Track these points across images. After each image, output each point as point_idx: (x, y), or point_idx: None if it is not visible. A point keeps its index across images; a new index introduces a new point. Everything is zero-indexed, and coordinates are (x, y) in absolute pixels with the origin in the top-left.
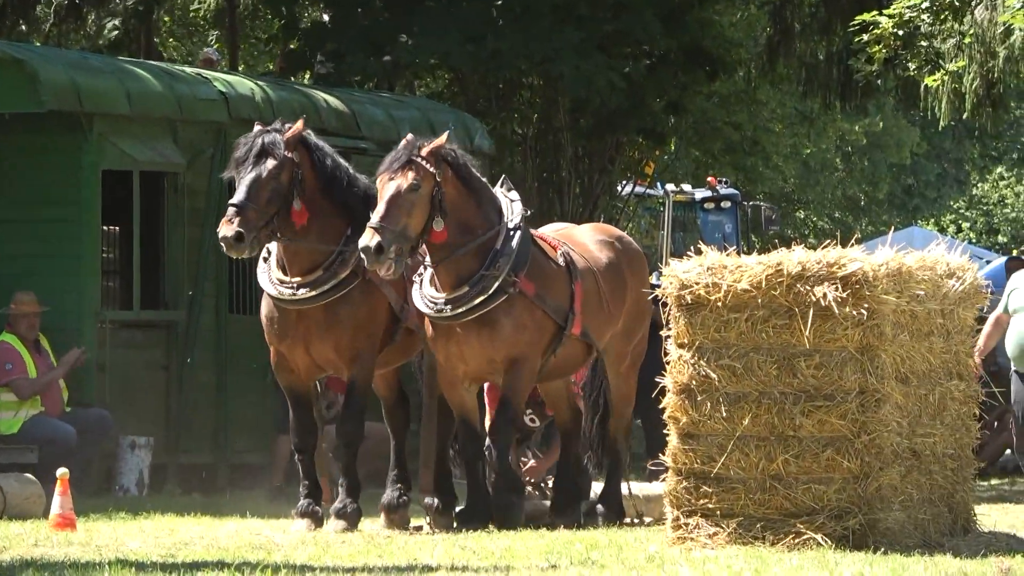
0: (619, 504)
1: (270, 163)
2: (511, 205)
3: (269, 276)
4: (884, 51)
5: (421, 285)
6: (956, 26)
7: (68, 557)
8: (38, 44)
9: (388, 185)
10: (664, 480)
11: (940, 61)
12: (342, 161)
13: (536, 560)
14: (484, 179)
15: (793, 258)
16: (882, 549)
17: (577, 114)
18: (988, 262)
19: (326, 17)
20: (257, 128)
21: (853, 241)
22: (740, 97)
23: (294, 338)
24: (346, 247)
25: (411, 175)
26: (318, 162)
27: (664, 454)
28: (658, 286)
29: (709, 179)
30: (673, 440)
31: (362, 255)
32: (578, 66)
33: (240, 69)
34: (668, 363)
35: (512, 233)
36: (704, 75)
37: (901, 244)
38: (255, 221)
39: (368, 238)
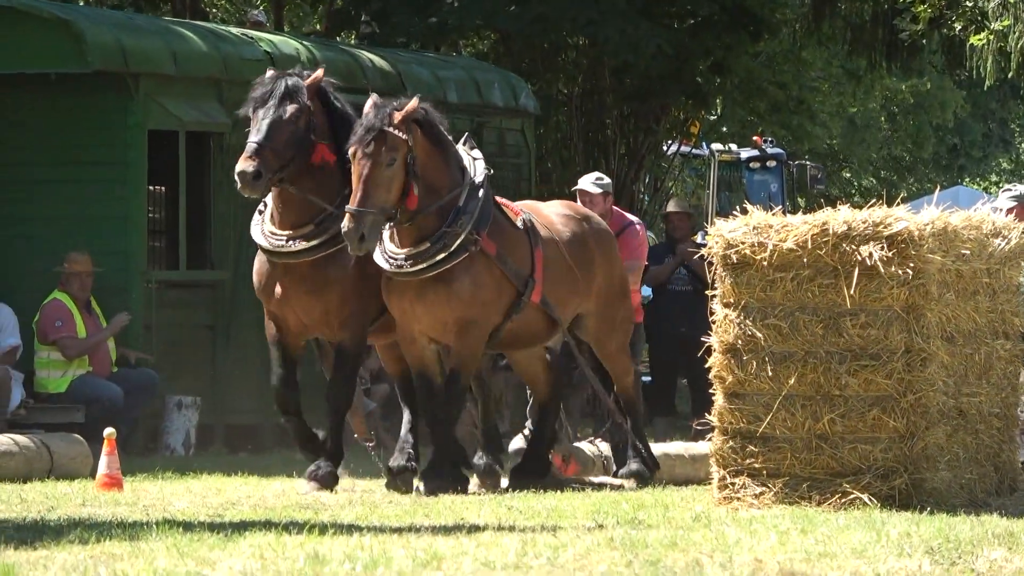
0: (651, 457)
1: (291, 107)
2: (474, 163)
3: (262, 228)
4: (929, 10)
5: (381, 240)
6: None
7: (115, 517)
8: (83, 4)
9: (363, 164)
10: (710, 439)
11: (985, 20)
12: (354, 117)
13: (583, 520)
14: (449, 136)
15: (839, 217)
16: (928, 509)
17: (622, 75)
18: None
19: None
20: (274, 72)
21: (899, 200)
22: (785, 56)
23: (283, 295)
24: (339, 208)
25: (384, 150)
26: (333, 113)
27: (710, 414)
28: (704, 245)
29: (754, 138)
30: (719, 400)
31: (346, 239)
32: (623, 29)
33: (285, 29)
34: (713, 322)
35: (475, 191)
36: (748, 35)
37: (947, 203)
38: (273, 162)
39: (348, 223)
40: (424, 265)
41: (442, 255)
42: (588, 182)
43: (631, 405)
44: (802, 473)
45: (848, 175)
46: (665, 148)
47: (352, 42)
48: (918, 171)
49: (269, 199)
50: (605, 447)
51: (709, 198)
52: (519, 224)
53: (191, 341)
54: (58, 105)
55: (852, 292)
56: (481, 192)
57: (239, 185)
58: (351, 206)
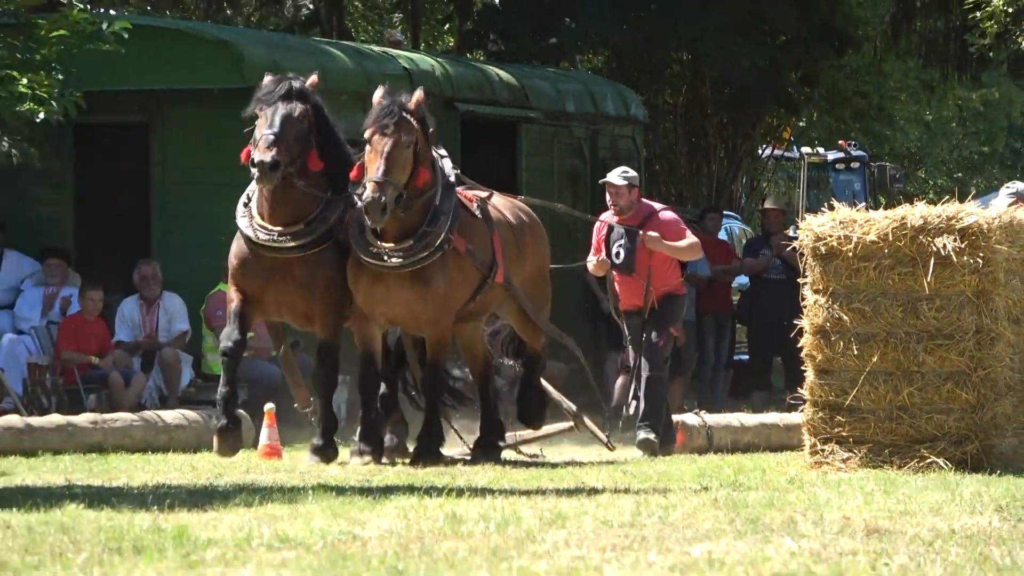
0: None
1: (300, 106)
2: (442, 162)
3: (250, 222)
4: (995, 26)
5: (362, 231)
6: None
7: (275, 483)
8: (241, 26)
9: (385, 141)
10: (802, 411)
11: None
12: (338, 133)
13: (690, 483)
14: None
15: (916, 212)
16: (997, 471)
17: (721, 87)
18: None
19: (497, 1)
20: (276, 76)
21: (970, 197)
22: (867, 69)
23: (265, 283)
24: (327, 208)
25: (402, 133)
26: (324, 120)
27: (802, 388)
28: (795, 238)
29: (840, 142)
30: (810, 375)
31: (368, 209)
32: (722, 46)
33: (421, 48)
34: (805, 307)
35: (449, 190)
36: (833, 50)
37: (1014, 198)
38: (286, 155)
39: (372, 192)
40: (407, 261)
41: (425, 253)
42: (615, 175)
43: (535, 362)
44: (884, 440)
45: (923, 175)
46: (760, 152)
47: (481, 59)
48: (985, 170)
49: (253, 193)
50: (710, 417)
51: (799, 196)
52: (477, 212)
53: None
54: (220, 117)
55: (928, 279)
56: (452, 191)
57: (256, 175)
58: (374, 176)
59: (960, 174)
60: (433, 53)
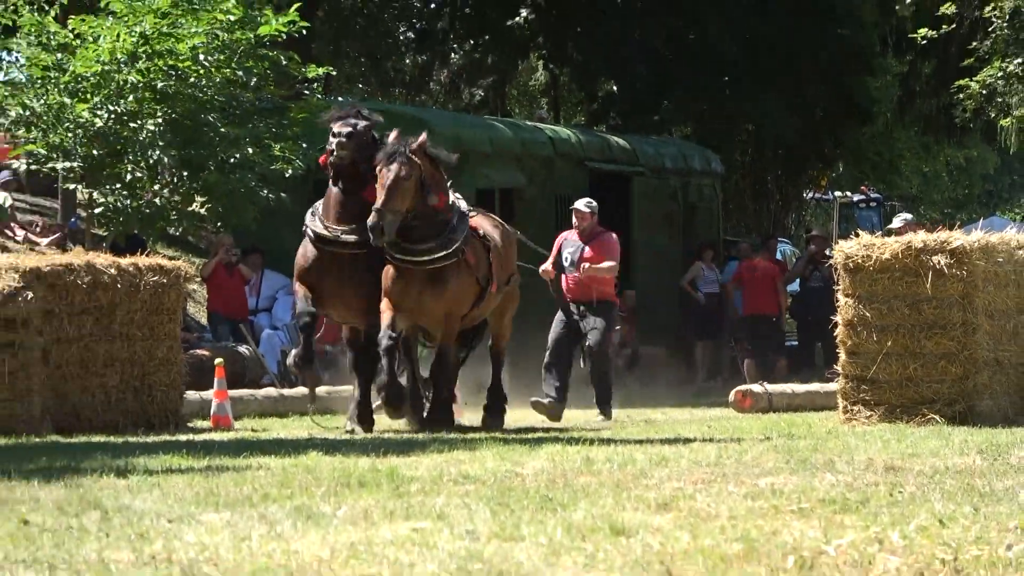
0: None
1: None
2: (458, 201)
3: (321, 223)
4: (972, 103)
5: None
6: (1021, 87)
7: (456, 435)
8: (432, 107)
9: (386, 175)
10: (837, 382)
11: (1010, 109)
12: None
13: (756, 434)
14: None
15: (918, 238)
16: (978, 425)
17: (776, 148)
18: None
19: (615, 88)
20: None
21: (956, 227)
22: (881, 135)
23: (330, 276)
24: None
25: (403, 168)
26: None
27: (836, 366)
28: (830, 258)
29: (862, 188)
30: (842, 356)
31: (371, 232)
32: (777, 119)
33: (561, 122)
34: (838, 306)
35: (464, 217)
36: (857, 122)
37: (987, 228)
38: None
39: (373, 218)
40: (429, 257)
41: (443, 252)
42: (582, 204)
43: (500, 358)
44: (896, 402)
45: (922, 210)
46: (804, 195)
47: (603, 130)
48: (967, 207)
49: (326, 203)
50: (770, 387)
51: (833, 227)
52: (480, 234)
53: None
54: None
55: (927, 286)
56: (466, 218)
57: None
58: (376, 205)
59: (949, 210)
60: (569, 126)
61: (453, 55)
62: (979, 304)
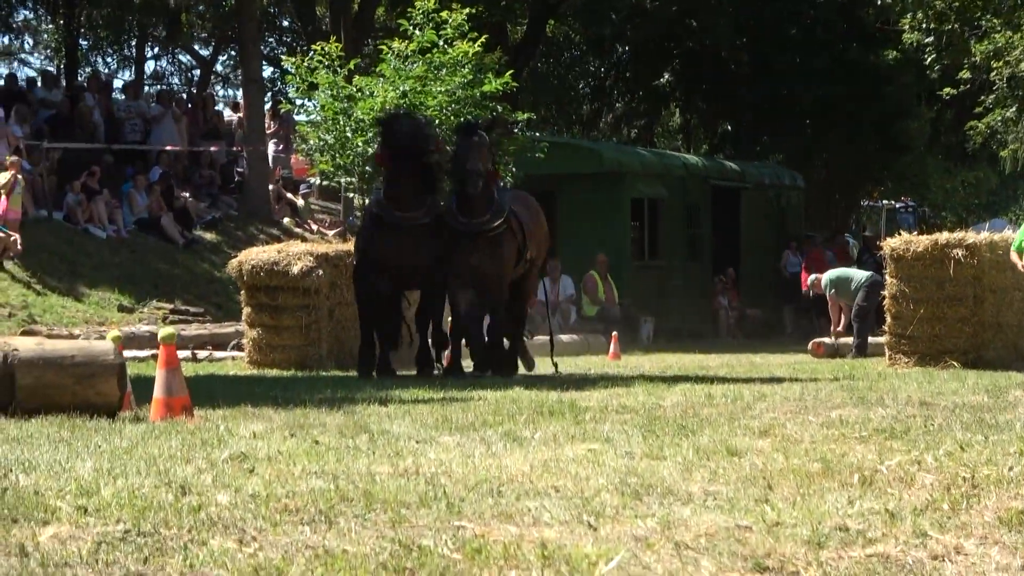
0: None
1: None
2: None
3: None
4: (980, 138)
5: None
6: (1014, 128)
7: (613, 372)
8: (602, 140)
9: (474, 143)
10: (883, 336)
11: (1007, 144)
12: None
13: (827, 375)
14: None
15: (943, 236)
16: (985, 369)
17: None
18: None
19: (729, 127)
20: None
21: (971, 229)
22: (916, 162)
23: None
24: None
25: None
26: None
27: (885, 327)
28: (881, 250)
29: (902, 198)
30: (888, 319)
31: (472, 179)
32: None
33: (691, 151)
34: (886, 283)
35: (504, 193)
36: (898, 152)
37: (991, 228)
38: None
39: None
40: (487, 227)
41: (497, 222)
42: None
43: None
44: (927, 353)
45: (945, 214)
46: (861, 204)
47: (721, 157)
48: (977, 212)
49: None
50: (839, 340)
51: (881, 226)
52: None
53: (651, 291)
54: (588, 188)
55: (951, 270)
56: (506, 195)
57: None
58: (471, 166)
59: (964, 214)
60: (697, 154)
61: (617, 104)
62: (986, 283)
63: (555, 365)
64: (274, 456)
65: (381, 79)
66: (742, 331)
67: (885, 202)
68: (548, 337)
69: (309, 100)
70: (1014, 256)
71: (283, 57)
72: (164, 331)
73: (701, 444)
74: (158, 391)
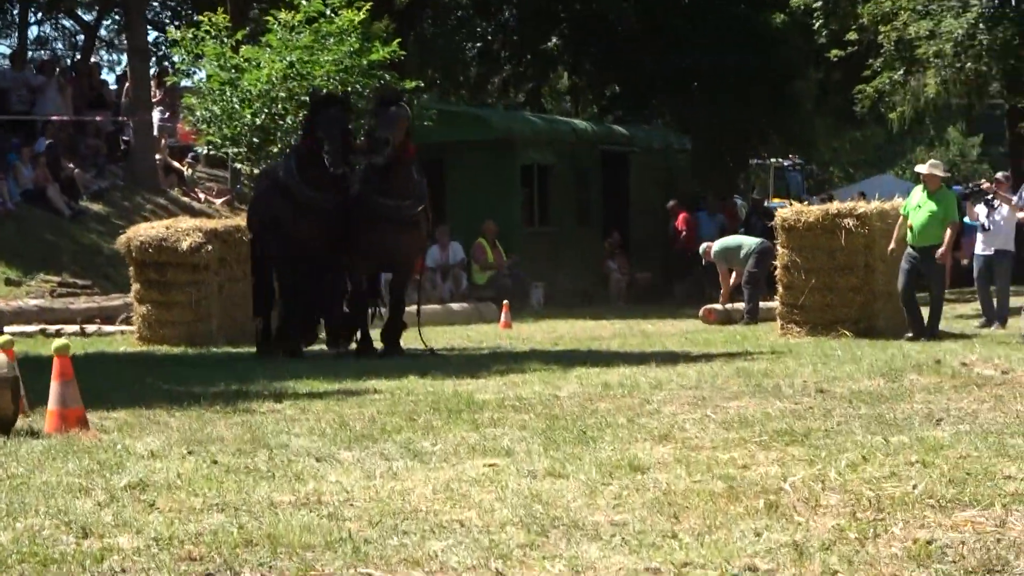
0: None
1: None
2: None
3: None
4: (868, 102)
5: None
6: (901, 91)
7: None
8: (489, 107)
9: (392, 114)
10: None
11: (895, 107)
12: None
13: (701, 350)
14: None
15: (834, 206)
16: (876, 338)
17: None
18: None
19: (618, 89)
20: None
21: (858, 195)
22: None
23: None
24: None
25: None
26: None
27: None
28: (769, 215)
29: (789, 156)
30: (779, 288)
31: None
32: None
33: (579, 115)
34: (777, 254)
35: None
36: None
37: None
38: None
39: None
40: (413, 211)
41: (421, 206)
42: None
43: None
44: (818, 322)
45: (833, 170)
46: (750, 162)
47: (610, 121)
48: (864, 168)
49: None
50: (729, 306)
51: (769, 184)
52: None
53: (541, 257)
54: (478, 155)
55: (842, 240)
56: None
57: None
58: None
59: (851, 171)
60: (584, 118)
61: (505, 68)
62: (876, 252)
63: (429, 348)
64: (173, 483)
65: (268, 49)
66: (632, 295)
67: (773, 160)
68: (437, 305)
69: (195, 70)
70: (898, 228)
71: (169, 29)
72: (57, 343)
73: (602, 458)
74: (52, 403)
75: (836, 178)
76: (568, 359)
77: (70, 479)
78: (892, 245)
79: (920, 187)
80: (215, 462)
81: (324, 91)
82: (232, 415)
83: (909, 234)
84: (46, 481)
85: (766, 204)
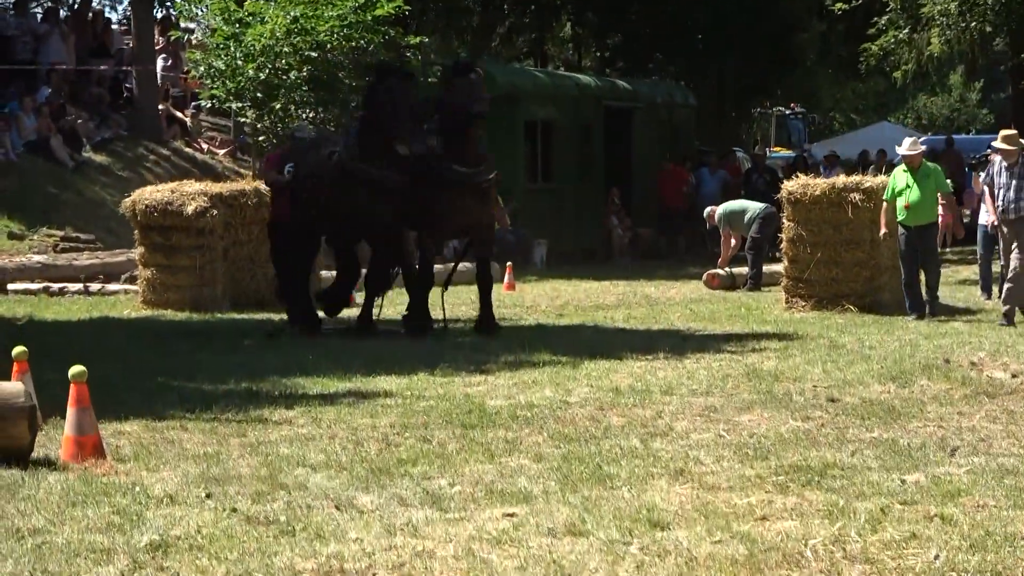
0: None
1: None
2: None
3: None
4: (873, 60)
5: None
6: (906, 49)
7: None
8: (492, 60)
9: (473, 82)
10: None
11: (900, 64)
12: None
13: (727, 325)
14: None
15: (840, 180)
16: (881, 313)
17: (737, 85)
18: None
19: (621, 40)
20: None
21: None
22: (809, 70)
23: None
24: None
25: None
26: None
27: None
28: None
29: (791, 104)
30: (785, 262)
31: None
32: (734, 64)
33: (580, 64)
34: (784, 227)
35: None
36: (790, 64)
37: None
38: None
39: None
40: (485, 177)
41: (492, 172)
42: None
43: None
44: (824, 296)
45: (834, 114)
46: (752, 111)
47: (613, 74)
48: (866, 114)
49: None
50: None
51: (771, 132)
52: None
53: (544, 214)
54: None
55: (849, 214)
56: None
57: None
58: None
59: (852, 115)
60: (588, 71)
61: (509, 18)
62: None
63: (443, 321)
64: (194, 541)
65: (272, 3)
66: (635, 251)
67: (775, 110)
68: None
69: (198, 13)
70: (884, 213)
71: None
72: (74, 370)
73: (621, 507)
74: (69, 429)
75: (838, 123)
76: (575, 345)
77: (91, 537)
78: (884, 230)
79: (901, 168)
80: (234, 510)
81: (388, 62)
82: (246, 432)
83: (903, 215)
84: (67, 540)
85: (768, 153)
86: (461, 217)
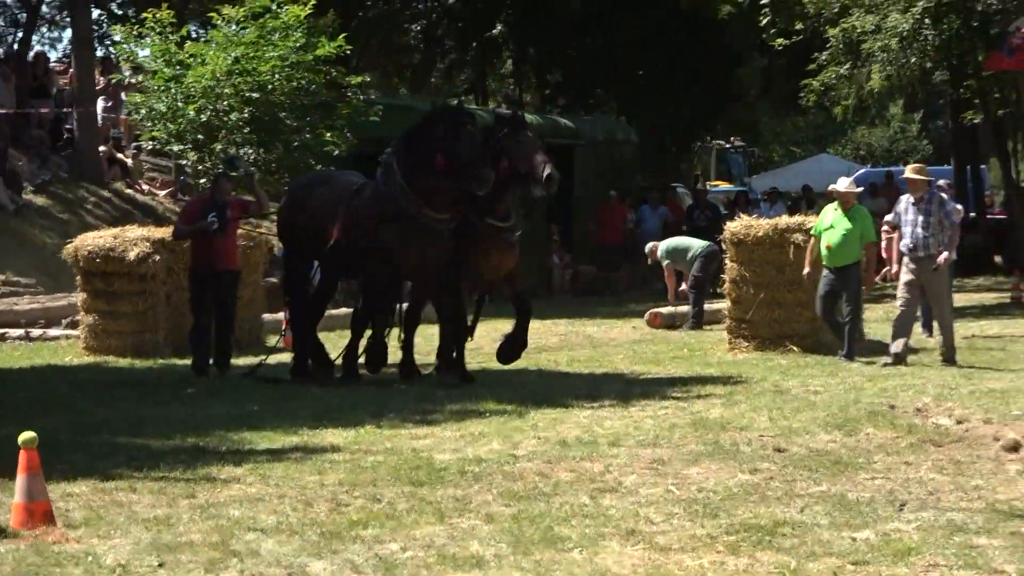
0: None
1: None
2: None
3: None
4: (814, 96)
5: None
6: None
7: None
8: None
9: (532, 140)
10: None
11: (840, 100)
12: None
13: (668, 362)
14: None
15: (783, 221)
16: (823, 353)
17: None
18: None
19: (561, 78)
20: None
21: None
22: (748, 106)
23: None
24: None
25: None
26: None
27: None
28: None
29: (731, 139)
30: (728, 303)
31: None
32: (675, 99)
33: (521, 99)
34: (727, 268)
35: None
36: (731, 99)
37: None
38: None
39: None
40: (516, 232)
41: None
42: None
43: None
44: (767, 337)
45: (773, 147)
46: (692, 147)
47: (554, 112)
48: (805, 145)
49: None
50: (676, 309)
51: (712, 167)
52: None
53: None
54: None
55: (791, 255)
56: None
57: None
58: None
59: (792, 148)
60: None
61: (450, 55)
62: (820, 267)
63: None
64: None
65: (213, 45)
66: (576, 288)
67: (715, 143)
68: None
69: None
70: (809, 251)
71: (114, 27)
72: (24, 437)
73: (575, 573)
74: (19, 496)
75: (777, 156)
76: (521, 392)
77: None
78: (807, 268)
79: (833, 205)
80: None
81: (452, 104)
82: (195, 493)
83: (825, 254)
84: None
85: (708, 187)
86: (494, 271)
